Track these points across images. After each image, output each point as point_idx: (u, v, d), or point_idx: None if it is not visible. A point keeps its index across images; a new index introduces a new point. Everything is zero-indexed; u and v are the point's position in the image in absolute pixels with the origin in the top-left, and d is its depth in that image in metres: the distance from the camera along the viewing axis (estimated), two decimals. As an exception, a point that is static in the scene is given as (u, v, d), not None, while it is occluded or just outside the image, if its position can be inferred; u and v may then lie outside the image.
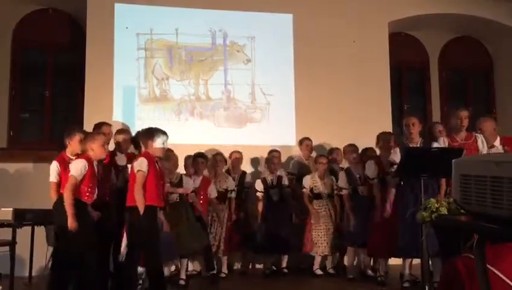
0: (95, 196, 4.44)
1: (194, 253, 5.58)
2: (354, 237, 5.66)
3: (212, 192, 5.84)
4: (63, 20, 7.34)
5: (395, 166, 4.97)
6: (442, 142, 5.12)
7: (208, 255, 5.68)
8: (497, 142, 5.12)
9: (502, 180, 1.68)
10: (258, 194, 6.13)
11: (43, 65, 7.27)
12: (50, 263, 4.69)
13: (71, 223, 4.13)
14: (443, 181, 4.85)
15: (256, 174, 6.55)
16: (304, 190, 6.10)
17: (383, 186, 5.39)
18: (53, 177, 4.65)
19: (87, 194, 4.32)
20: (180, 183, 5.51)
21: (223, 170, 6.25)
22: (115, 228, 4.93)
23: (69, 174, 4.25)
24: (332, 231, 5.97)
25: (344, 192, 5.87)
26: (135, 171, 4.39)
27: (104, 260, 4.90)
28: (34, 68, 7.30)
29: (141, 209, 4.30)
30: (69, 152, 4.73)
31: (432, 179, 4.72)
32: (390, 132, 5.81)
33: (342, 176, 5.93)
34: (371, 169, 5.50)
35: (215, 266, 5.70)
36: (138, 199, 4.31)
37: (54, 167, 4.67)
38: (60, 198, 4.28)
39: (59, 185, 4.54)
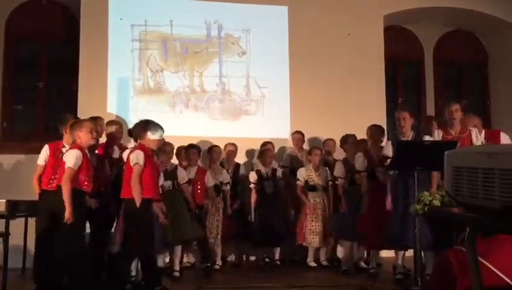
0: (92, 185, 4.46)
1: (185, 241, 5.56)
2: (347, 229, 5.68)
3: (209, 181, 5.83)
4: (56, 10, 7.27)
5: (389, 160, 4.99)
6: (436, 135, 5.14)
7: (204, 248, 5.70)
8: (481, 137, 5.18)
9: (493, 172, 1.68)
10: (252, 185, 6.13)
11: (37, 56, 7.20)
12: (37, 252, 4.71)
13: (68, 215, 4.15)
14: (435, 174, 4.87)
15: (250, 167, 6.55)
16: (298, 182, 6.12)
17: (372, 180, 5.41)
18: (41, 160, 4.70)
19: (86, 183, 4.37)
20: (173, 173, 5.50)
21: (218, 162, 6.25)
22: (110, 219, 4.94)
23: (65, 167, 4.24)
24: (326, 223, 5.99)
25: (339, 181, 5.88)
26: (132, 164, 4.41)
27: (98, 251, 4.91)
28: (28, 59, 7.24)
29: (138, 202, 4.32)
30: (65, 141, 4.74)
31: (424, 172, 4.73)
32: (379, 125, 5.82)
33: (338, 165, 5.94)
34: (359, 161, 5.54)
35: (210, 259, 5.72)
36: (135, 192, 4.33)
37: (44, 150, 4.71)
38: (59, 188, 4.28)
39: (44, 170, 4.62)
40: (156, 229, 4.75)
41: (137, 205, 4.32)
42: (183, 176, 5.56)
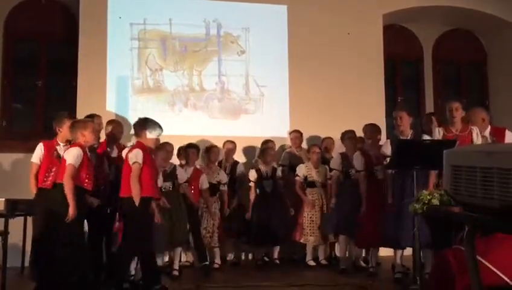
0: (93, 183, 4.47)
1: (186, 243, 5.58)
2: (339, 224, 5.69)
3: (204, 183, 5.82)
4: (55, 10, 7.24)
5: (388, 159, 4.99)
6: (437, 133, 5.13)
7: (200, 247, 5.69)
8: (486, 133, 5.14)
9: (492, 171, 1.68)
10: (251, 184, 6.13)
11: (36, 55, 7.19)
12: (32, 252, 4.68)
13: (72, 211, 4.16)
14: (432, 173, 4.87)
15: (249, 165, 6.55)
16: (297, 178, 6.13)
17: (370, 179, 5.41)
18: (35, 158, 4.65)
19: (86, 180, 4.38)
20: (173, 174, 5.50)
21: (216, 162, 6.24)
22: (109, 218, 4.93)
23: (67, 164, 4.25)
24: (323, 220, 6.00)
25: (334, 173, 5.89)
26: (130, 162, 4.41)
27: (97, 251, 4.90)
28: (27, 58, 7.23)
29: (137, 201, 4.33)
30: (59, 139, 4.72)
31: (423, 171, 4.73)
32: (374, 124, 5.80)
33: (335, 157, 5.95)
34: (358, 161, 5.53)
35: (208, 257, 5.71)
36: (134, 191, 4.34)
37: (38, 149, 4.67)
38: (57, 186, 4.28)
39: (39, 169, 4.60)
40: (158, 228, 4.75)
41: (136, 203, 4.32)
42: (182, 175, 5.56)
